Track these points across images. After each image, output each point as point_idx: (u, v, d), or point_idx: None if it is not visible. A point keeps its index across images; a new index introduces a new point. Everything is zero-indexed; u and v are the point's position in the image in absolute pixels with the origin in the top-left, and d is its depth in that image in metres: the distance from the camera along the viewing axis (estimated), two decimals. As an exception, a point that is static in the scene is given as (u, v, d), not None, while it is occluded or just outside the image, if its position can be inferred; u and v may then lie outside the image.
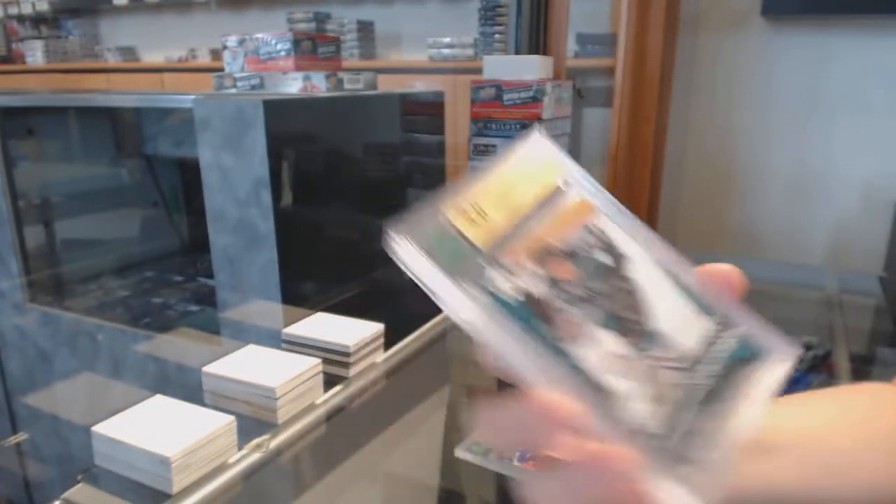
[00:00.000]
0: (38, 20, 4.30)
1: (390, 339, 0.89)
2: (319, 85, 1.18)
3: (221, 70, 1.28)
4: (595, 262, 0.27)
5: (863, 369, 0.93)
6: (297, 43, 1.19)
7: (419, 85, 2.63)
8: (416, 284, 0.26)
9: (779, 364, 0.28)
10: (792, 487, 0.35)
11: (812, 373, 0.91)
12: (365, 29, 3.12)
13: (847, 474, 0.37)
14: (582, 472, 0.24)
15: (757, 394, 0.27)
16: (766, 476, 0.35)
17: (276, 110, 0.97)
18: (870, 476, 0.37)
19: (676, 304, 0.28)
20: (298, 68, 1.20)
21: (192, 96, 1.03)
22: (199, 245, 1.82)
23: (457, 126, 1.45)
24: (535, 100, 1.21)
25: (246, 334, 1.06)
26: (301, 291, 1.05)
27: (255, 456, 0.65)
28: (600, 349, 0.25)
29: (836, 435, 0.38)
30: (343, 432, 0.74)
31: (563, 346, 0.25)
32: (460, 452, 0.64)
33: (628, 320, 0.26)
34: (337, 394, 0.78)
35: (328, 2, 3.25)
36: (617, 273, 0.27)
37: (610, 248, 0.28)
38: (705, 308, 0.29)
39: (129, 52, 3.99)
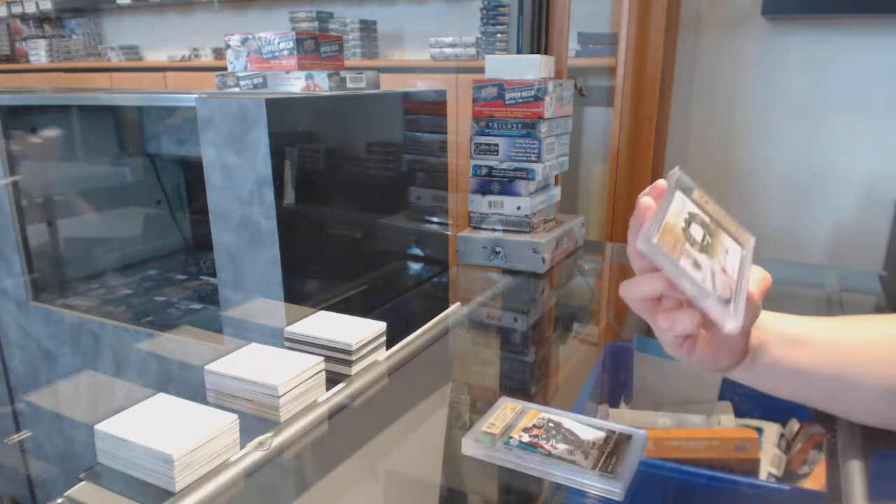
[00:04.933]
0: (41, 19, 4.30)
1: (392, 337, 0.89)
2: (322, 84, 1.18)
3: (224, 69, 1.28)
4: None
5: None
6: (299, 42, 1.20)
7: (421, 84, 2.63)
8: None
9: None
10: (804, 365, 0.58)
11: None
12: (367, 28, 3.12)
13: (848, 359, 0.58)
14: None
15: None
16: (787, 356, 0.58)
17: (279, 109, 0.98)
18: (868, 363, 0.58)
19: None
20: (301, 67, 1.20)
21: (195, 95, 1.04)
22: (201, 243, 1.82)
23: (458, 125, 1.45)
24: (537, 99, 1.21)
25: (248, 332, 1.07)
26: (303, 290, 1.06)
27: (258, 454, 0.66)
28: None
29: (847, 333, 0.60)
30: (345, 430, 0.74)
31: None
32: (467, 443, 0.64)
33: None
34: (339, 392, 0.78)
35: (330, 1, 3.26)
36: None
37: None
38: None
39: (132, 52, 4.00)
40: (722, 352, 0.55)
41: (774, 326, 0.59)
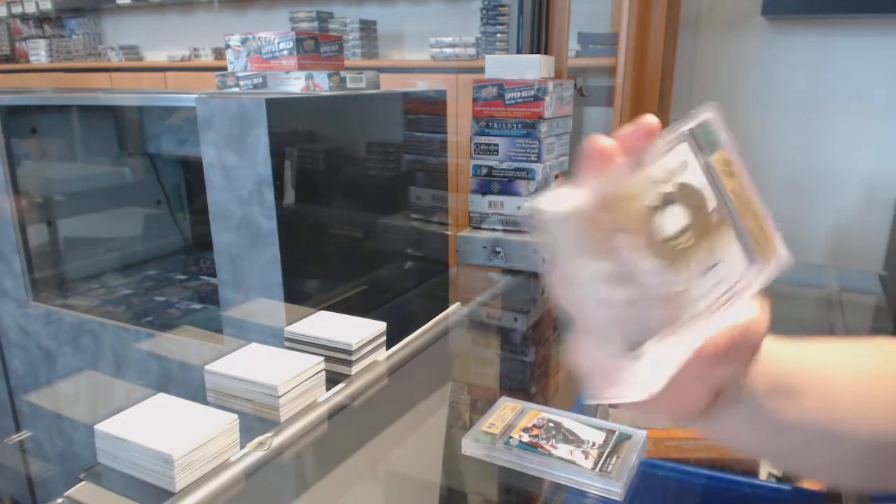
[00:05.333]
0: (41, 19, 4.30)
1: (392, 337, 0.89)
2: (322, 84, 1.18)
3: (224, 69, 1.28)
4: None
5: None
6: (299, 42, 1.20)
7: (421, 84, 2.63)
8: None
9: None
10: (787, 419, 0.40)
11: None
12: (367, 28, 3.12)
13: (847, 412, 0.41)
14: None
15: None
16: (773, 408, 0.39)
17: (279, 109, 0.98)
18: (866, 412, 0.42)
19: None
20: (301, 67, 1.20)
21: (195, 95, 1.04)
22: (201, 243, 1.82)
23: (458, 125, 1.45)
24: (537, 99, 1.21)
25: (248, 332, 1.07)
26: (303, 290, 1.06)
27: (258, 454, 0.66)
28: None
29: (841, 376, 0.42)
30: (345, 430, 0.74)
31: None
32: (467, 443, 0.64)
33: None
34: (339, 392, 0.78)
35: (330, 1, 3.26)
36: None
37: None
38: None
39: (132, 51, 4.00)
40: (686, 399, 0.37)
41: (766, 368, 0.39)
